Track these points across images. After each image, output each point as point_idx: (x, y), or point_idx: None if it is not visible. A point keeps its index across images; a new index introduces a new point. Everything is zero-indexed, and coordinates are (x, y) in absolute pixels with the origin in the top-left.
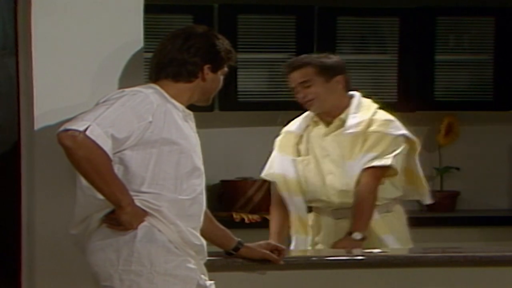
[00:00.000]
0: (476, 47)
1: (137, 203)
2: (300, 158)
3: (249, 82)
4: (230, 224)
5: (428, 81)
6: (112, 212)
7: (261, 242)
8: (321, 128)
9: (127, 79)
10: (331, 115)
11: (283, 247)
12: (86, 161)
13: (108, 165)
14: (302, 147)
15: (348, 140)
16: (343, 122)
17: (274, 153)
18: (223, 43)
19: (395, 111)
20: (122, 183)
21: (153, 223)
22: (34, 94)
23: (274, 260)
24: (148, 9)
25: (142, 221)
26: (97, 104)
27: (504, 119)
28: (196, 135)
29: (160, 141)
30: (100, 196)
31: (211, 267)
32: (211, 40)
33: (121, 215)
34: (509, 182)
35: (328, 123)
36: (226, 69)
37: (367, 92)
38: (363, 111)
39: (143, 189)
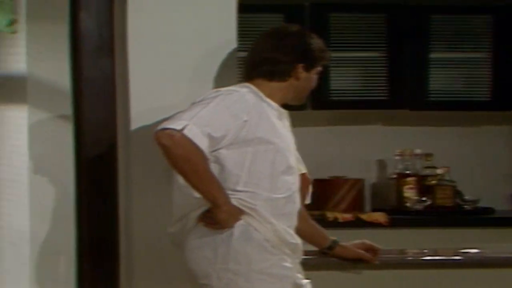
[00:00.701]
0: (473, 45)
1: (233, 201)
2: None
3: (341, 81)
4: (323, 223)
5: (422, 80)
6: (209, 210)
7: (356, 242)
8: None
9: (221, 79)
10: None
11: (378, 246)
12: (184, 160)
13: (205, 164)
14: None
15: None
16: None
17: None
18: (317, 42)
19: (489, 110)
20: (219, 181)
21: (249, 222)
22: (130, 94)
23: (369, 259)
24: (240, 8)
25: (238, 219)
26: (193, 104)
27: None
28: (291, 133)
29: (255, 140)
30: (197, 195)
31: (306, 266)
32: (305, 39)
33: (218, 214)
34: None
35: None
36: (320, 68)
37: (460, 91)
38: None
39: (239, 188)
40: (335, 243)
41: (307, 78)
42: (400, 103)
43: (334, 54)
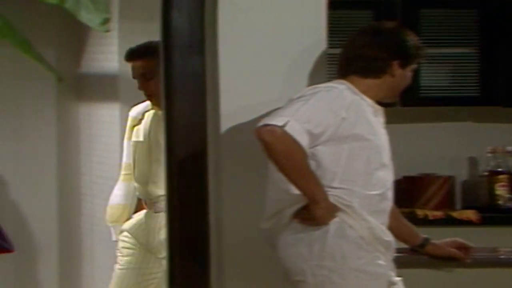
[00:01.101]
0: (460, 40)
1: (330, 198)
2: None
3: (431, 77)
4: (413, 220)
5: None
6: (304, 207)
7: (448, 240)
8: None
9: (311, 76)
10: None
11: (471, 244)
12: (284, 156)
13: (305, 160)
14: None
15: None
16: None
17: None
18: (412, 39)
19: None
20: (318, 178)
21: (344, 219)
22: (220, 92)
23: (461, 258)
24: (330, 5)
25: (334, 216)
26: (292, 100)
27: None
28: (385, 130)
29: (351, 137)
30: (294, 191)
31: (396, 263)
32: (401, 36)
33: (316, 210)
34: None
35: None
36: (415, 65)
37: None
38: None
39: (335, 184)
40: (426, 241)
41: (402, 75)
42: (492, 99)
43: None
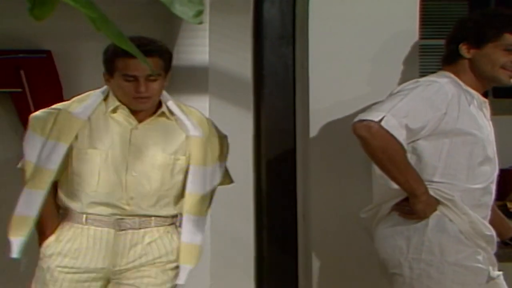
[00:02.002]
0: None
1: (430, 192)
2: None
3: None
4: (504, 213)
5: None
6: (405, 200)
7: None
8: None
9: (403, 69)
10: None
11: None
12: (381, 151)
13: (402, 155)
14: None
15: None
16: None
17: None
18: (481, 16)
19: None
20: (417, 172)
21: (445, 213)
22: (310, 84)
23: None
24: None
25: (435, 210)
26: (391, 95)
27: None
28: (490, 122)
29: (453, 131)
30: (394, 186)
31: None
32: (464, 18)
33: (416, 204)
34: None
35: (141, 116)
36: (498, 41)
37: None
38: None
39: (436, 179)
40: None
41: (480, 55)
42: None
43: None
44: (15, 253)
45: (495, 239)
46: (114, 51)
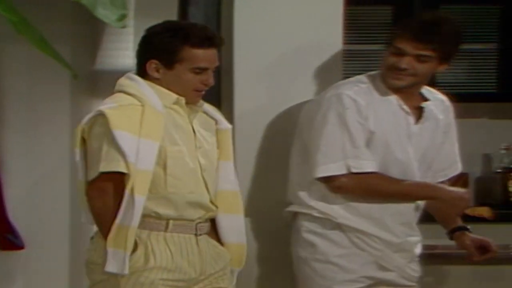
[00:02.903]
0: (479, 36)
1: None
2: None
3: (448, 74)
4: (428, 216)
5: None
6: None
7: (479, 237)
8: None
9: (327, 73)
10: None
11: (495, 249)
12: (371, 193)
13: (387, 180)
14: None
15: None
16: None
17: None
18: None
19: None
20: (415, 181)
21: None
22: (235, 87)
23: (468, 259)
24: (348, 1)
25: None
26: (320, 130)
27: None
28: (411, 126)
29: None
30: (299, 195)
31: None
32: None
33: (450, 201)
34: None
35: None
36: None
37: None
38: None
39: None
40: (459, 229)
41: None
42: (509, 96)
43: None
44: (113, 267)
45: (406, 246)
46: (181, 41)
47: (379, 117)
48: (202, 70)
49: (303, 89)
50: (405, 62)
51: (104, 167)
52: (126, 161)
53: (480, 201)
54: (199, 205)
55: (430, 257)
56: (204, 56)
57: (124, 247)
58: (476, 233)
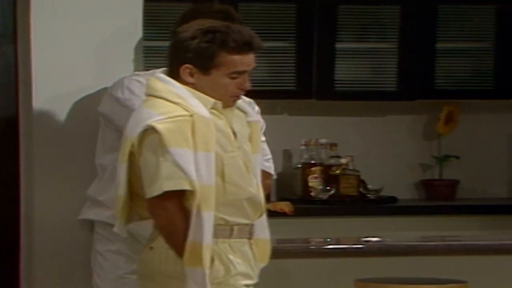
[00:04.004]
0: (477, 35)
1: None
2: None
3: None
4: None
5: (429, 70)
6: None
7: None
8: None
9: (127, 65)
10: None
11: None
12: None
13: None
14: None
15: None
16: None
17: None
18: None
19: (395, 100)
20: None
21: None
22: (33, 82)
23: None
24: None
25: None
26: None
27: (505, 108)
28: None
29: None
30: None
31: None
32: None
33: None
34: (509, 171)
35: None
36: None
37: (367, 81)
38: None
39: None
40: None
41: None
42: (307, 93)
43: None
44: (194, 285)
45: None
46: (218, 47)
47: None
48: (239, 74)
49: (103, 82)
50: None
51: (168, 185)
52: (189, 179)
53: (281, 196)
54: (256, 207)
55: None
56: (242, 61)
57: (201, 265)
58: (277, 227)
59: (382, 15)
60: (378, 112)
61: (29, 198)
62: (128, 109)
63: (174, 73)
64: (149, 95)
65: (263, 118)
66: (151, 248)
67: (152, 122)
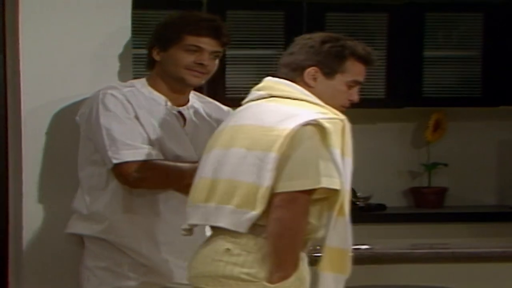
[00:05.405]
0: (465, 43)
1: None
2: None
3: (238, 78)
4: None
5: (416, 77)
6: None
7: None
8: None
9: (116, 73)
10: None
11: None
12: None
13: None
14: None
15: None
16: None
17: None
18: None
19: (383, 107)
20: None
21: None
22: (22, 91)
23: None
24: (135, 4)
25: None
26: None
27: (492, 115)
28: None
29: None
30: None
31: None
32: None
33: None
34: (497, 178)
35: None
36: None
37: None
38: None
39: None
40: None
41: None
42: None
43: (231, 52)
44: None
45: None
46: (349, 52)
47: (147, 116)
48: (355, 84)
49: (92, 91)
50: (205, 59)
51: (326, 183)
52: (341, 180)
53: None
54: None
55: None
56: (362, 71)
57: (345, 271)
58: None
59: (370, 23)
60: (366, 120)
61: (18, 207)
62: (98, 125)
63: (291, 77)
64: (279, 96)
65: None
66: (228, 249)
67: (319, 119)
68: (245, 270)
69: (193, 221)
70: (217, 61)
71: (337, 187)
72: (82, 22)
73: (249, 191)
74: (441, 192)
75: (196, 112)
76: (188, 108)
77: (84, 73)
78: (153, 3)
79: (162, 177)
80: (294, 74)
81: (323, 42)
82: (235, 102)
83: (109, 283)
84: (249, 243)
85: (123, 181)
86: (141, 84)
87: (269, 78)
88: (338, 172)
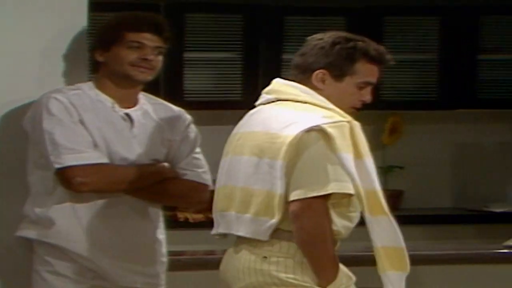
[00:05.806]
0: (421, 46)
1: None
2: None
3: (196, 81)
4: (174, 223)
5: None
6: None
7: None
8: None
9: (70, 74)
10: None
11: None
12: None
13: None
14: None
15: None
16: None
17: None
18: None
19: None
20: None
21: None
22: None
23: None
24: (92, 7)
25: None
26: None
27: (448, 118)
28: (133, 129)
29: None
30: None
31: None
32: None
33: None
34: (453, 181)
35: None
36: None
37: None
38: None
39: None
40: None
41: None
42: (253, 104)
43: (189, 55)
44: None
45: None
46: (359, 54)
47: (93, 119)
48: (366, 85)
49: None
50: (148, 54)
51: (335, 188)
52: (354, 183)
53: None
54: None
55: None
56: (374, 71)
57: (405, 268)
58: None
59: (328, 27)
60: None
61: None
62: (41, 130)
63: (301, 79)
64: (286, 99)
65: (209, 128)
66: (265, 257)
67: (322, 124)
68: (290, 275)
69: (220, 230)
70: (161, 58)
71: (348, 191)
72: (32, 21)
73: (264, 199)
74: (397, 195)
75: (145, 113)
76: (136, 110)
77: (36, 75)
78: (111, 6)
79: (107, 181)
80: (304, 76)
81: (334, 43)
82: (193, 105)
83: (57, 287)
84: (282, 249)
85: (66, 185)
86: (88, 87)
87: (277, 80)
88: (350, 176)
